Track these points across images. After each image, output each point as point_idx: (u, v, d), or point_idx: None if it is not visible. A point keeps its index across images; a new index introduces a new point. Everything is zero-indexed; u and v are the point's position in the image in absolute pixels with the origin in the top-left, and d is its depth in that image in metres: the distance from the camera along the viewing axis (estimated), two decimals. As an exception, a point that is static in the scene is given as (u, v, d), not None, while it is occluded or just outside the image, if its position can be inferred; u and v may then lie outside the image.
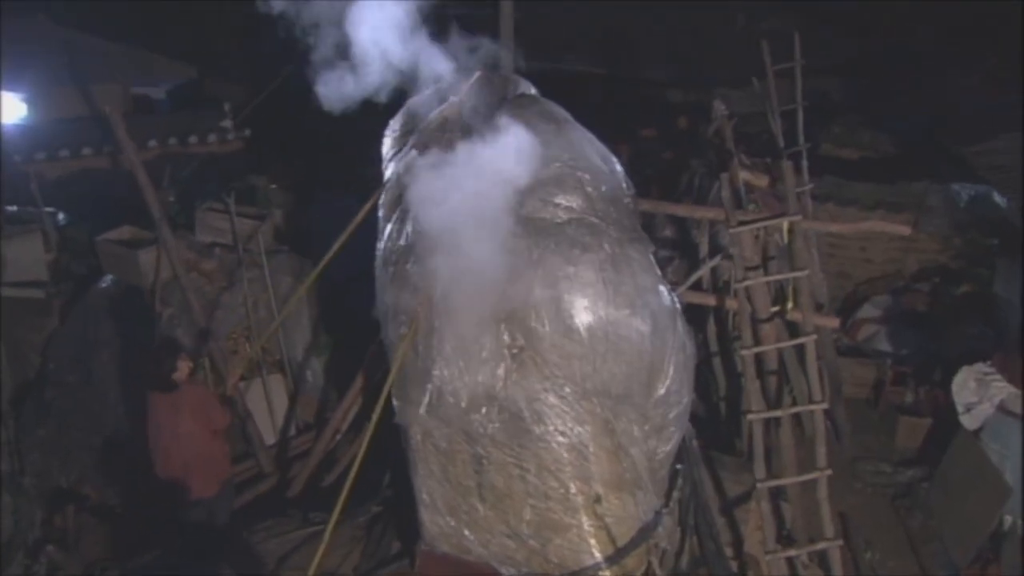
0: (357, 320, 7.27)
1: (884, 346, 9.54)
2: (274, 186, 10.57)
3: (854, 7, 17.10)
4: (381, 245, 5.77)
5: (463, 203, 5.37)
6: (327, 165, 12.51)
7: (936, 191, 10.66)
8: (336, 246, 6.67)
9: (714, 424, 7.95)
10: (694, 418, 6.73)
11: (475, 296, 5.36)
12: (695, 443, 6.59)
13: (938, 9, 15.98)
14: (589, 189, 5.60)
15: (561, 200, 5.51)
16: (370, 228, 6.15)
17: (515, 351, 5.37)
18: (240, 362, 7.82)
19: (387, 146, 6.25)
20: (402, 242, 5.63)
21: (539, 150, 5.52)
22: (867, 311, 10.01)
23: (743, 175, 8.57)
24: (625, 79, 17.70)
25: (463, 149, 5.48)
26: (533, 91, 6.38)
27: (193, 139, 13.07)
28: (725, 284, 7.60)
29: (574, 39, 17.65)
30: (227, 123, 13.46)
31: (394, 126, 6.17)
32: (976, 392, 7.12)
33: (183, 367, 6.40)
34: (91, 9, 15.15)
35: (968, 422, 7.21)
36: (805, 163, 8.99)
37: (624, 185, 5.93)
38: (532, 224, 5.40)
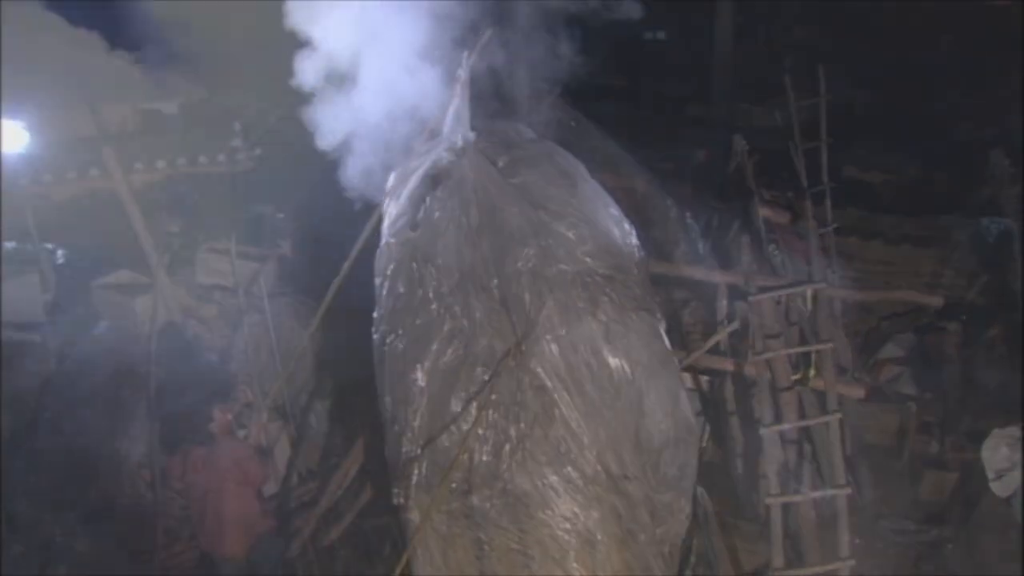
0: (365, 359, 7.03)
1: (908, 389, 9.18)
2: (282, 215, 10.33)
3: (878, 14, 16.72)
4: (376, 313, 5.53)
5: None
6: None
7: (964, 225, 10.30)
8: (332, 290, 6.50)
9: (730, 481, 7.65)
10: (711, 475, 6.48)
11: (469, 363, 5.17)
12: (710, 511, 6.33)
13: (962, 16, 15.62)
14: (591, 255, 5.37)
15: (563, 266, 5.28)
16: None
17: (522, 426, 5.15)
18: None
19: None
20: (395, 308, 5.41)
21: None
22: (890, 350, 9.63)
23: (764, 212, 8.29)
24: (645, 92, 17.40)
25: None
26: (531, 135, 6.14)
27: (203, 159, 12.85)
28: (744, 327, 7.30)
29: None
30: (237, 142, 13.23)
31: (391, 185, 5.90)
32: (1008, 458, 6.79)
33: (221, 419, 6.24)
34: (99, 23, 14.94)
35: (999, 489, 6.88)
36: (828, 202, 8.70)
37: (635, 249, 5.67)
38: (526, 287, 5.19)
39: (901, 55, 16.23)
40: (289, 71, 6.59)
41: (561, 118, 7.62)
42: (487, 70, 5.98)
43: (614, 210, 5.53)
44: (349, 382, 8.44)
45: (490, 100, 6.17)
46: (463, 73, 5.48)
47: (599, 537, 5.12)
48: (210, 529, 6.33)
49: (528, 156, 5.67)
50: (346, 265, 5.65)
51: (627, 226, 5.58)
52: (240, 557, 6.42)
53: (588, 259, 5.36)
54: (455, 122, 5.53)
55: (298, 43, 6.04)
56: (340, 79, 6.02)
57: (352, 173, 6.28)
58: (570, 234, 5.35)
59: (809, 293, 6.00)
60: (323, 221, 10.31)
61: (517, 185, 5.41)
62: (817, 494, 5.76)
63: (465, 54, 5.57)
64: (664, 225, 8.75)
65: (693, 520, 5.83)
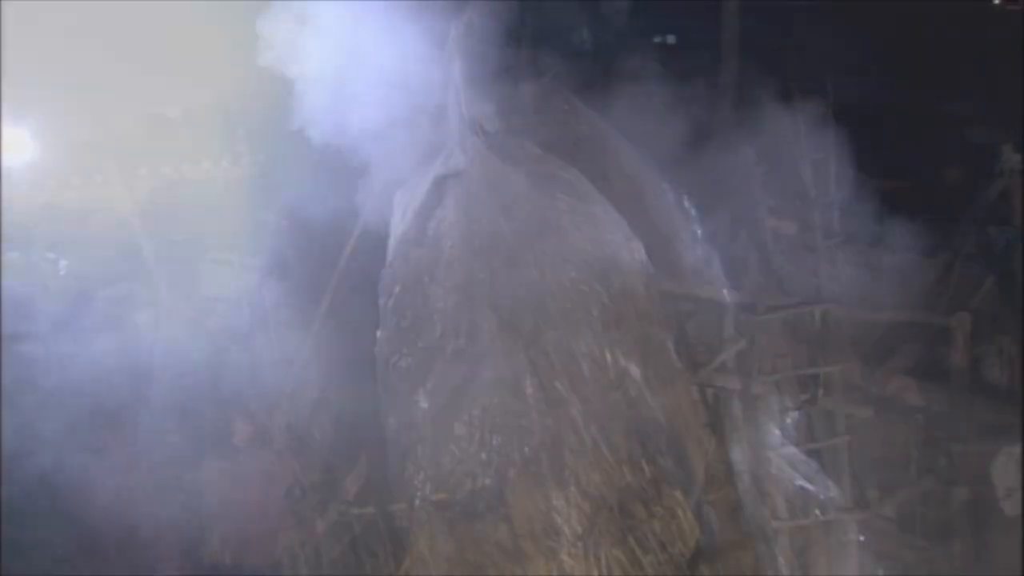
0: (370, 373, 6.97)
1: (916, 400, 9.11)
2: (286, 223, 10.27)
3: (882, 15, 16.61)
4: (380, 332, 5.50)
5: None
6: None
7: (971, 232, 10.23)
8: (326, 303, 6.49)
9: (736, 496, 7.58)
10: (717, 490, 6.43)
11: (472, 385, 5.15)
12: (716, 527, 6.29)
13: (969, 16, 15.51)
14: (598, 272, 5.35)
15: (569, 283, 5.25)
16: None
17: (526, 450, 5.11)
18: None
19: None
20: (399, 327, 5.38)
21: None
22: (897, 361, 9.56)
23: (770, 222, 8.25)
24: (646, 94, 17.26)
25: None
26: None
27: (207, 164, 12.79)
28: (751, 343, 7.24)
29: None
30: (241, 147, 13.15)
31: (398, 201, 5.88)
32: (1017, 477, 6.74)
33: (242, 431, 6.18)
34: (106, 28, 14.87)
35: (1009, 508, 6.84)
36: (836, 211, 8.65)
37: (642, 265, 5.64)
38: (532, 304, 5.16)
39: (908, 58, 16.14)
40: (293, 73, 6.61)
41: (554, 101, 7.59)
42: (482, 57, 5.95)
43: (622, 227, 5.49)
44: (353, 395, 8.40)
45: (489, 86, 6.13)
46: (452, 45, 5.43)
47: (605, 559, 5.09)
48: (226, 540, 6.27)
49: (533, 172, 5.65)
50: (334, 279, 5.63)
51: (635, 244, 5.56)
52: (251, 568, 6.38)
53: (595, 276, 5.34)
54: (457, 109, 5.48)
55: (300, 45, 6.03)
56: (342, 83, 5.99)
57: (357, 179, 6.25)
58: (576, 251, 5.33)
59: (818, 313, 5.94)
60: (328, 230, 10.27)
61: (522, 201, 5.38)
62: (825, 518, 5.72)
63: (452, 28, 5.52)
64: (660, 211, 8.78)
65: (700, 537, 5.80)
